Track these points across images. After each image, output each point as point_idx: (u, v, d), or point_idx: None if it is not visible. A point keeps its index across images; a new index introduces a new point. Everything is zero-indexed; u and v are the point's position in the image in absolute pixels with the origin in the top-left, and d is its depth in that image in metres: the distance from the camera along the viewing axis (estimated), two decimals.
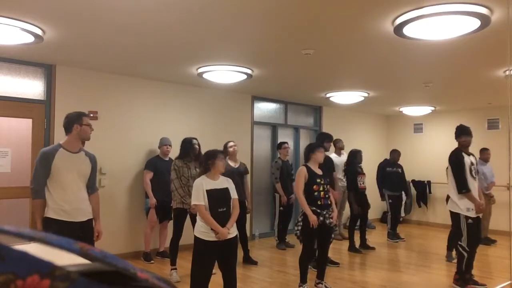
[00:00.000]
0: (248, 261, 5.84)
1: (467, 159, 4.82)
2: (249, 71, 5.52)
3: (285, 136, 8.26)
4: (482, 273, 5.44)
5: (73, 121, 3.51)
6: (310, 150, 4.59)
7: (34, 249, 0.48)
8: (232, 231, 3.60)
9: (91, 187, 3.62)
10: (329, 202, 4.45)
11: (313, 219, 4.27)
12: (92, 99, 5.67)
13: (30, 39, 4.04)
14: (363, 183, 6.84)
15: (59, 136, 5.37)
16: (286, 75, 5.98)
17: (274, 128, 8.13)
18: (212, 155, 3.67)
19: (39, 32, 3.91)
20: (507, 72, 5.43)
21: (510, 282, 4.61)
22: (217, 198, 3.55)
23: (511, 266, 4.45)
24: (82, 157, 3.55)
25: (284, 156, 6.83)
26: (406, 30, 3.69)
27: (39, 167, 3.38)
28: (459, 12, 3.28)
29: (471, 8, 3.24)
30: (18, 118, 5.16)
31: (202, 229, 3.52)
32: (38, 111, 5.28)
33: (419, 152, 9.77)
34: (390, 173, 7.70)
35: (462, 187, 4.64)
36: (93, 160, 3.64)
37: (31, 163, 5.20)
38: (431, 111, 8.91)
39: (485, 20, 3.44)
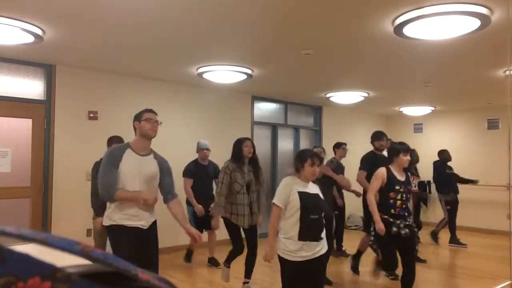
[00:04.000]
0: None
1: None
2: (249, 71, 5.52)
3: (285, 136, 8.27)
4: (482, 273, 5.45)
5: (134, 118, 3.19)
6: (394, 153, 3.97)
7: (34, 250, 0.48)
8: (321, 247, 3.13)
9: (167, 194, 3.21)
10: (407, 213, 3.86)
11: (379, 227, 3.78)
12: (92, 99, 5.67)
13: (30, 39, 4.04)
14: (414, 186, 6.20)
15: (59, 136, 5.39)
16: (286, 75, 5.98)
17: (274, 128, 8.12)
18: (301, 158, 3.21)
19: (39, 32, 3.91)
20: (507, 72, 5.42)
21: (510, 282, 4.61)
22: (310, 202, 3.10)
23: (511, 266, 4.45)
24: (149, 160, 3.14)
25: (340, 157, 6.23)
26: (406, 30, 3.69)
27: (106, 168, 3.01)
28: (459, 12, 3.28)
29: (471, 8, 3.24)
30: (18, 118, 5.16)
31: (288, 248, 3.06)
32: (38, 111, 5.28)
33: (419, 152, 9.71)
34: (450, 175, 7.14)
35: None
36: (161, 163, 3.21)
37: (31, 163, 5.21)
38: (431, 111, 8.92)
39: (485, 20, 3.44)
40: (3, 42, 4.18)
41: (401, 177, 3.90)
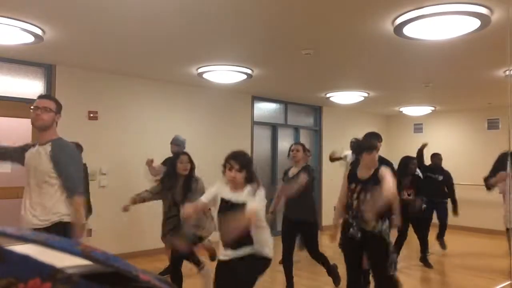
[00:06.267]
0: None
1: None
2: (249, 71, 5.52)
3: (285, 136, 8.27)
4: (482, 273, 5.45)
5: None
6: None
7: (35, 251, 0.48)
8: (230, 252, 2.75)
9: (66, 189, 2.70)
10: (363, 216, 3.21)
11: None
12: (92, 99, 5.67)
13: (30, 39, 4.04)
14: (408, 195, 5.59)
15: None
16: (286, 75, 5.98)
17: (274, 128, 8.12)
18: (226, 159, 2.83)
19: (39, 32, 3.91)
20: (507, 72, 5.42)
21: (510, 282, 4.61)
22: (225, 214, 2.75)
23: (511, 266, 4.45)
24: (44, 149, 2.74)
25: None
26: (406, 30, 3.69)
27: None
28: (459, 12, 3.28)
29: (471, 8, 3.24)
30: (18, 118, 5.15)
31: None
32: None
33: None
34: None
35: None
36: (56, 150, 2.70)
37: None
38: (431, 111, 8.91)
39: (485, 20, 3.44)
40: (3, 42, 4.18)
41: (363, 175, 3.30)
